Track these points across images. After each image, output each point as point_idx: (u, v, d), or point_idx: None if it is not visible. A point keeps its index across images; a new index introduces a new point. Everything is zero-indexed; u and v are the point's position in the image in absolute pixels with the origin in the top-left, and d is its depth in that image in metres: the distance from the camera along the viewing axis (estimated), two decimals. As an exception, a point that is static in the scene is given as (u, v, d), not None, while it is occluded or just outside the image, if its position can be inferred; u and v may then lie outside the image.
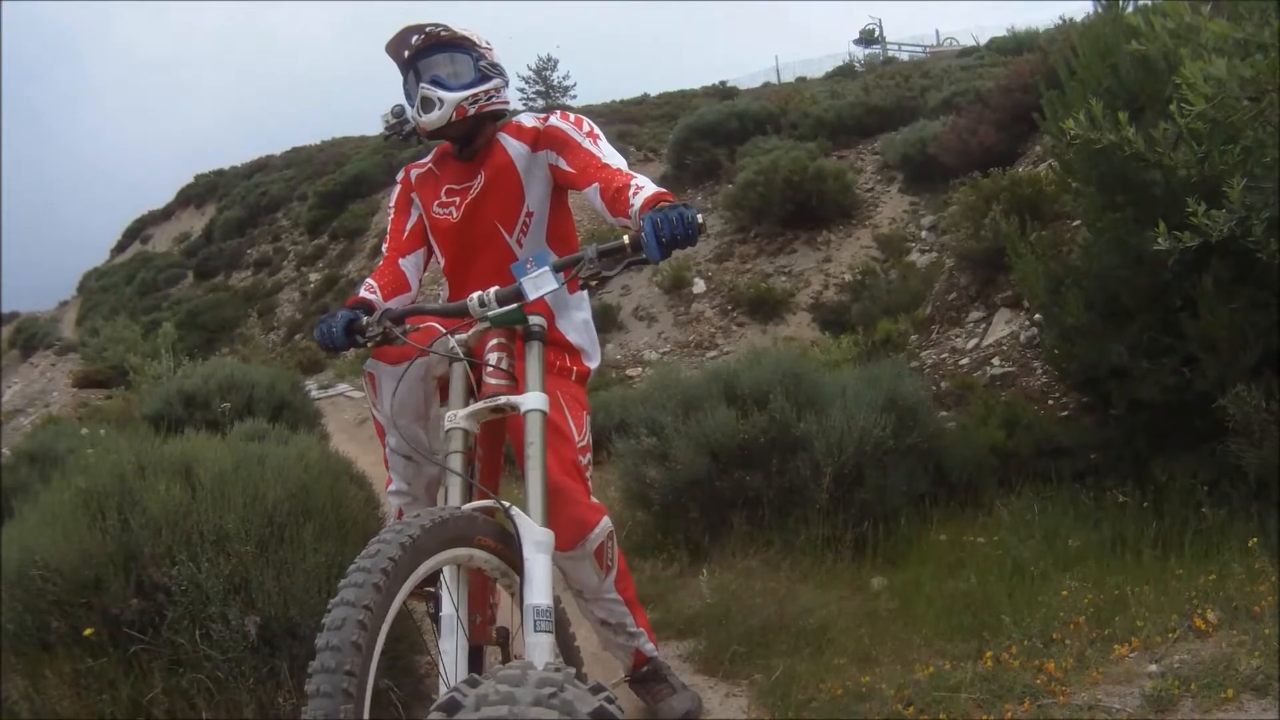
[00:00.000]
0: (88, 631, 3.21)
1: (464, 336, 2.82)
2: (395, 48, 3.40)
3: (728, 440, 5.43)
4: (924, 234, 15.22)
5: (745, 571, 4.82)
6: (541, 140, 3.44)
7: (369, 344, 3.02)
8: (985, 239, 9.64)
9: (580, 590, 3.34)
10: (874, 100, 18.92)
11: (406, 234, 3.61)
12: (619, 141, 25.10)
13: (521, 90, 50.73)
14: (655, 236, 2.62)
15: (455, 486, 2.62)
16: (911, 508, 5.60)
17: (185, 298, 32.41)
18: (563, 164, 3.35)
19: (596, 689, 1.82)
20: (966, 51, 40.86)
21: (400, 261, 3.52)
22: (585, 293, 3.28)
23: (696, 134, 19.81)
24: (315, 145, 46.75)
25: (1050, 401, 7.36)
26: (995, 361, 8.71)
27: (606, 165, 3.24)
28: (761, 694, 3.61)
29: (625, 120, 32.48)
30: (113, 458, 3.92)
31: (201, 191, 46.19)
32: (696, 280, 16.35)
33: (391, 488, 3.53)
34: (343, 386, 15.71)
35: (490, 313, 2.76)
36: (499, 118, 3.50)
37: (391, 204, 3.75)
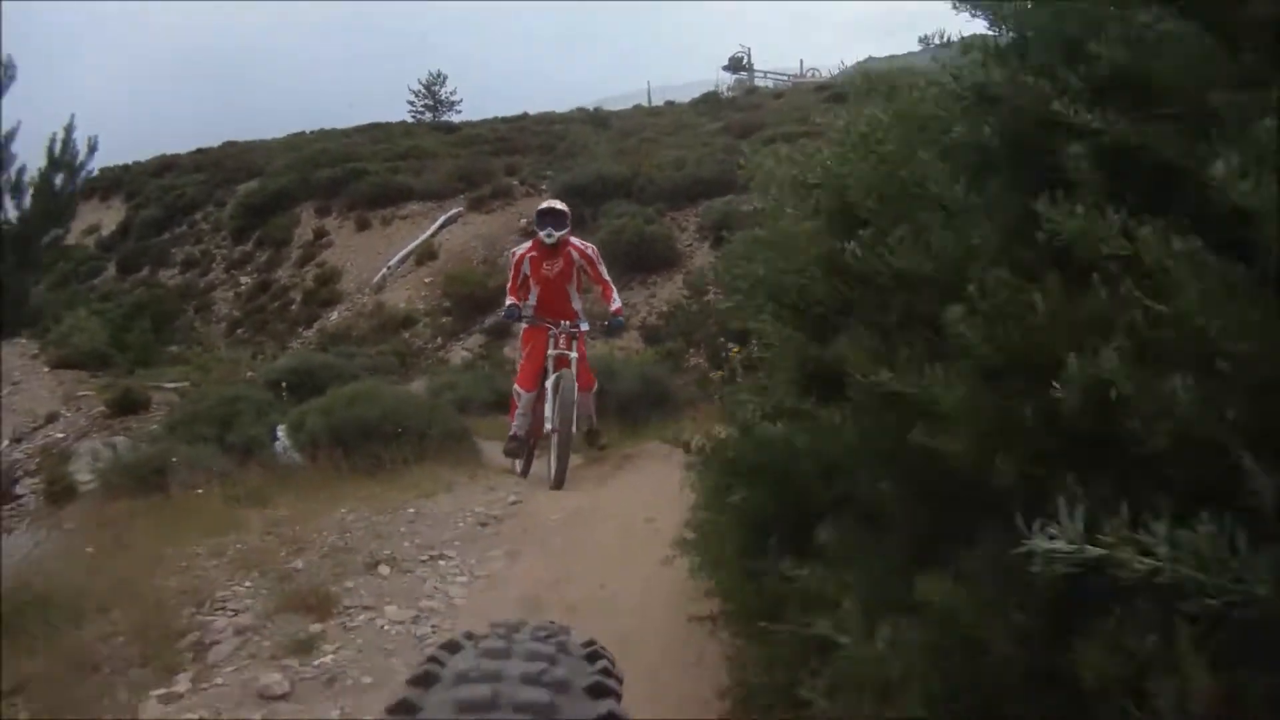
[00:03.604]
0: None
1: (555, 330, 9.09)
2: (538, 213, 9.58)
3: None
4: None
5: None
6: (582, 256, 9.32)
7: (524, 321, 9.32)
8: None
9: (585, 403, 9.21)
10: (703, 173, 25.97)
11: (520, 283, 9.36)
12: (505, 177, 32.16)
13: (411, 104, 55.23)
14: (613, 326, 9.81)
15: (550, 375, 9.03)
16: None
17: (114, 290, 35.43)
18: (588, 270, 9.34)
19: (592, 655, 1.65)
20: (823, 86, 46.20)
21: (515, 294, 9.39)
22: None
23: (569, 191, 25.62)
24: (218, 147, 50.56)
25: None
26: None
27: (603, 278, 9.44)
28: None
29: (509, 152, 38.09)
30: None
31: (106, 185, 47.34)
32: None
33: (524, 397, 9.27)
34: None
35: (566, 329, 9.11)
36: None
37: (512, 263, 9.58)
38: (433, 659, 1.57)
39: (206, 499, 8.40)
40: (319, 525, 6.60)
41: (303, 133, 52.59)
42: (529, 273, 9.46)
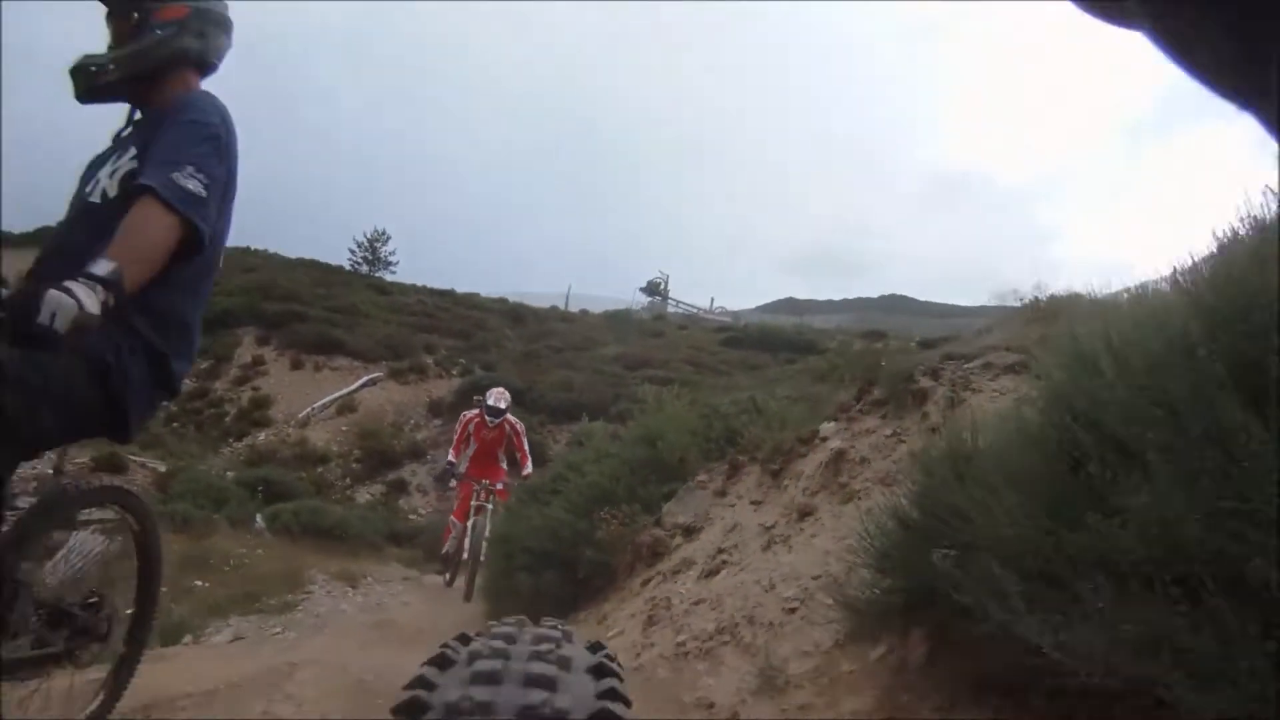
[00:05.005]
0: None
1: (478, 486, 12.54)
2: None
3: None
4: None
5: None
6: (513, 430, 13.13)
7: (457, 478, 13.27)
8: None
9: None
10: (584, 399, 32.09)
11: (464, 439, 13.24)
12: (424, 354, 39.61)
13: (351, 253, 60.42)
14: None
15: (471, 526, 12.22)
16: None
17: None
18: (514, 440, 13.12)
19: (595, 646, 1.95)
20: (723, 327, 52.58)
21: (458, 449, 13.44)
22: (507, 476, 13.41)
23: (474, 388, 29.59)
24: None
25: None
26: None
27: (524, 449, 13.17)
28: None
29: (431, 330, 44.02)
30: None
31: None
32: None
33: (457, 527, 12.76)
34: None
35: (486, 486, 12.44)
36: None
37: (460, 423, 13.44)
38: (446, 646, 1.91)
39: (229, 541, 15.95)
40: (327, 565, 14.53)
41: (249, 248, 57.89)
42: (472, 433, 13.02)
